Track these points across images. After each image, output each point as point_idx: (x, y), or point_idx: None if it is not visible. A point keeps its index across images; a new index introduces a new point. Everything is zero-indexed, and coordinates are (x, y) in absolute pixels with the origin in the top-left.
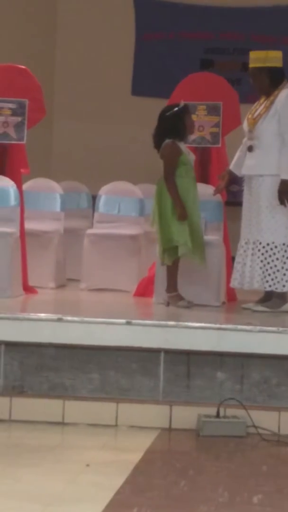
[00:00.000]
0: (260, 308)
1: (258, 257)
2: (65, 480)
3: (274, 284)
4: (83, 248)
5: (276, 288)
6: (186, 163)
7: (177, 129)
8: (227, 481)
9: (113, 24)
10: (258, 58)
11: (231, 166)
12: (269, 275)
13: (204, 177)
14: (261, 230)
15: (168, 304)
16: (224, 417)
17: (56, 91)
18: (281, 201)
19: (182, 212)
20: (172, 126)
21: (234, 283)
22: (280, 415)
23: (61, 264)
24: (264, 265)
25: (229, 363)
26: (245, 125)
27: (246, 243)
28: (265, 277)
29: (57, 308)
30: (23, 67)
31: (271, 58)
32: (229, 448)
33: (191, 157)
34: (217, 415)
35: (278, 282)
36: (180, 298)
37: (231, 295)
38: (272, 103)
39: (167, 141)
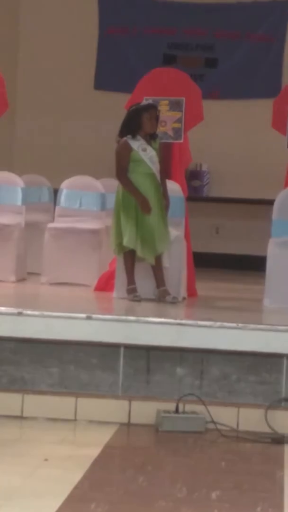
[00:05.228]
0: None
1: None
2: (23, 474)
3: None
4: (44, 242)
5: None
6: (136, 159)
7: (129, 125)
8: (185, 477)
9: (76, 18)
10: None
11: None
12: None
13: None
14: None
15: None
16: (183, 412)
17: (19, 85)
18: None
19: (142, 204)
20: (126, 122)
21: None
22: (239, 411)
23: (21, 258)
24: None
25: (189, 358)
26: None
27: None
28: None
29: (17, 302)
30: None
31: None
32: (188, 443)
33: (148, 153)
34: (176, 411)
35: None
36: (131, 291)
37: (191, 290)
38: None
39: (120, 139)
